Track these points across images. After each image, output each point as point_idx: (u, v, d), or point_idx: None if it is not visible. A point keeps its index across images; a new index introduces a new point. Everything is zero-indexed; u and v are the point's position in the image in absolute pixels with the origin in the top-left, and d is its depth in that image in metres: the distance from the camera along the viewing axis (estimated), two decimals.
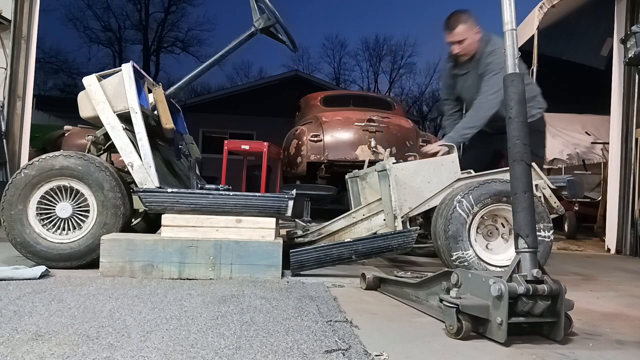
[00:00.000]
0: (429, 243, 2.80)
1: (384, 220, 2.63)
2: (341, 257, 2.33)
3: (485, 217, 2.32)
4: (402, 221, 2.44)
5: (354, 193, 3.44)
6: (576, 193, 2.43)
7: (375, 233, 2.62)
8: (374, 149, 5.38)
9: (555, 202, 2.44)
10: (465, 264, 2.22)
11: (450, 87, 3.32)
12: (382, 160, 5.58)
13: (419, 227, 2.48)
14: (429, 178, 2.49)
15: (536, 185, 2.38)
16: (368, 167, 3.14)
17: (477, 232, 2.30)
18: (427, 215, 2.58)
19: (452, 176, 2.50)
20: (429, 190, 2.48)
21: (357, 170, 3.46)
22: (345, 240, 2.38)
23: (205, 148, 13.25)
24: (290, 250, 2.33)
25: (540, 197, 2.36)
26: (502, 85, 2.63)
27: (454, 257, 2.24)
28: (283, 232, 3.87)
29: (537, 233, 2.21)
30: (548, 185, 2.44)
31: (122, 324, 1.41)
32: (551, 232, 2.28)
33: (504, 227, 2.36)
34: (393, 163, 2.48)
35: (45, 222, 2.29)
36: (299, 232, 3.04)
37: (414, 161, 2.64)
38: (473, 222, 2.27)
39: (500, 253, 2.33)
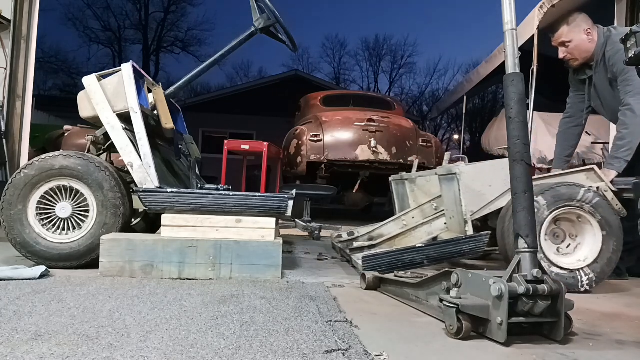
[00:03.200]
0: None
1: (445, 224, 2.62)
2: (413, 262, 2.29)
3: (560, 219, 2.28)
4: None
5: (399, 196, 3.42)
6: None
7: (436, 237, 2.61)
8: (374, 149, 5.38)
9: (617, 205, 2.38)
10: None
11: (575, 90, 2.99)
12: (384, 160, 5.57)
13: (490, 232, 2.42)
14: (490, 181, 2.46)
15: (597, 188, 2.34)
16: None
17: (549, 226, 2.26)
18: (485, 218, 2.55)
19: None
20: (490, 194, 2.45)
21: (404, 173, 3.46)
22: (417, 245, 2.36)
23: (205, 148, 13.27)
24: (362, 255, 2.33)
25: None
26: None
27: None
28: (328, 233, 3.90)
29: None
30: (610, 188, 2.38)
31: (122, 324, 1.41)
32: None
33: (568, 234, 2.32)
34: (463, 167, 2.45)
35: (45, 222, 2.29)
36: (344, 236, 3.03)
37: (475, 164, 2.60)
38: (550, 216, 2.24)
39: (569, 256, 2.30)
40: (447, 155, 3.20)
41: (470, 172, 2.47)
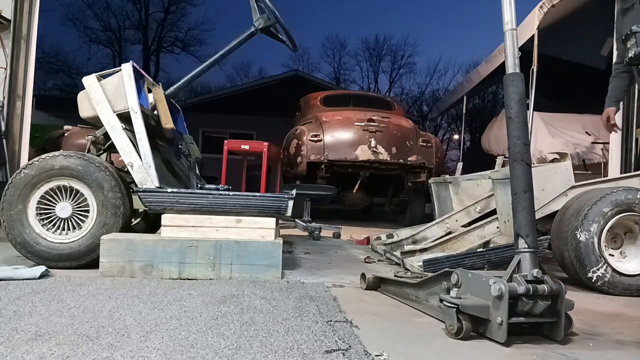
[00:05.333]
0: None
1: (498, 228, 2.62)
2: (473, 267, 2.30)
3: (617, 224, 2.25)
4: None
5: (439, 198, 3.39)
6: None
7: (488, 241, 2.62)
8: (374, 149, 5.38)
9: None
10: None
11: (618, 32, 2.82)
12: (384, 160, 5.55)
13: (548, 236, 2.39)
14: (542, 185, 2.45)
15: None
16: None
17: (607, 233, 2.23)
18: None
19: (566, 183, 2.46)
20: (542, 198, 2.44)
21: (447, 176, 3.43)
22: (478, 250, 2.37)
23: (205, 148, 13.26)
24: (423, 259, 2.34)
25: None
26: None
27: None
28: (359, 236, 3.89)
29: None
30: None
31: (122, 324, 1.41)
32: None
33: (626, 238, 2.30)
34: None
35: (45, 222, 2.29)
36: (383, 238, 3.00)
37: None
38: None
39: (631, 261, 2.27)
40: (500, 160, 3.17)
41: None
